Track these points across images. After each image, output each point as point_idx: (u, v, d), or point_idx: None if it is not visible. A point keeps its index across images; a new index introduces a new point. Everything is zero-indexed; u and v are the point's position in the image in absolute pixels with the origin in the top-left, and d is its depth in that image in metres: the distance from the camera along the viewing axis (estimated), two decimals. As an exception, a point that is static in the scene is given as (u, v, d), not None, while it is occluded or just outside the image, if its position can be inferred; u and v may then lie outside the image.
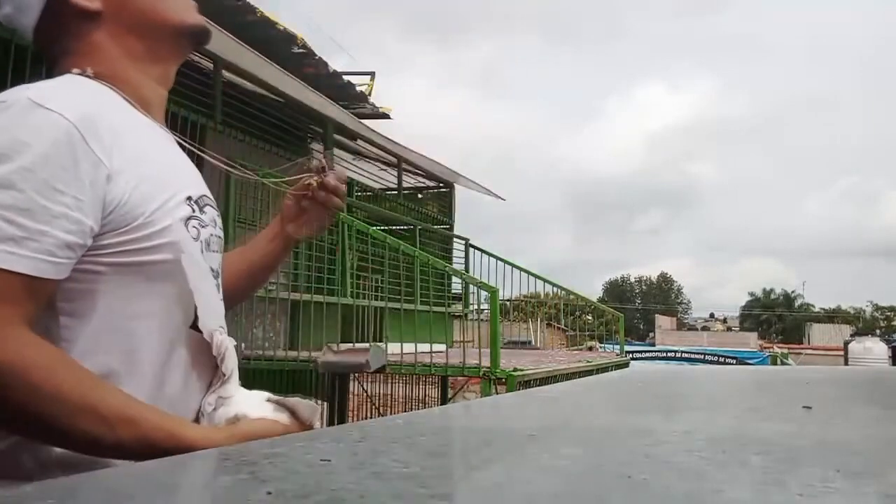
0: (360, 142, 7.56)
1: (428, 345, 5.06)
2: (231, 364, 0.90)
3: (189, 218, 0.88)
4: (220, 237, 0.98)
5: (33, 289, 0.75)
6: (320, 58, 5.85)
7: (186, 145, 1.01)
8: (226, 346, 0.89)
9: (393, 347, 5.19)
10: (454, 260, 8.46)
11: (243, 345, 4.73)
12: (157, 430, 0.78)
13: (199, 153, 1.08)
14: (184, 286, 0.86)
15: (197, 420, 0.89)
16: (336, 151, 6.94)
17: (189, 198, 0.90)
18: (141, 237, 0.83)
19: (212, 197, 0.98)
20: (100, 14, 0.90)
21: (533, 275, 8.33)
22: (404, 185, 8.89)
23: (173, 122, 4.34)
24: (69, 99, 0.80)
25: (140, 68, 0.92)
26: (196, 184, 0.95)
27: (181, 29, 0.96)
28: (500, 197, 10.63)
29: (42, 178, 0.75)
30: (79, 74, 0.88)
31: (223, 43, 4.55)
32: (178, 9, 0.97)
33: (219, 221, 0.98)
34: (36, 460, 0.78)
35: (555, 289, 8.96)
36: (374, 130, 6.88)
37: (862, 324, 55.18)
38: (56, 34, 0.91)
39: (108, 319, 0.82)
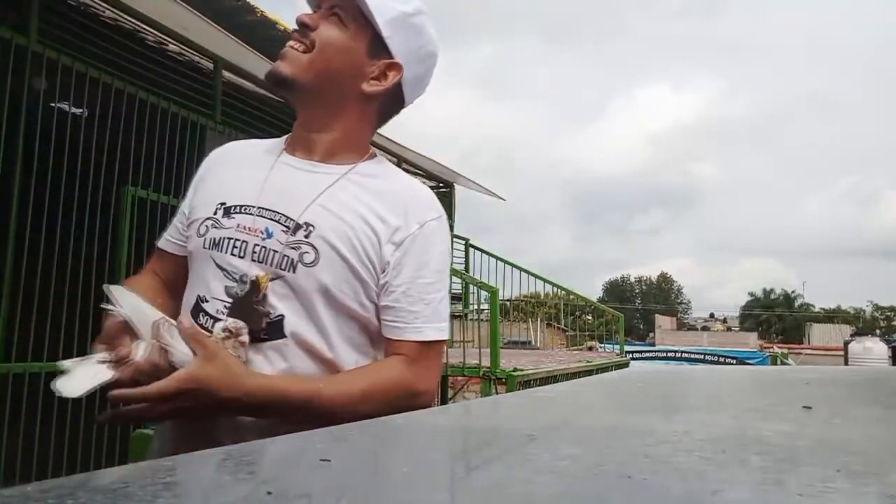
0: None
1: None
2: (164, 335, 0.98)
3: (206, 219, 1.09)
4: (256, 244, 1.04)
5: (157, 255, 1.22)
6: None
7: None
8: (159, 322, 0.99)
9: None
10: (454, 260, 8.46)
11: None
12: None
13: None
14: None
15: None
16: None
17: (222, 204, 1.08)
18: (188, 229, 1.13)
19: (278, 211, 1.05)
20: None
21: (533, 275, 8.34)
22: (404, 185, 8.87)
23: (174, 122, 4.34)
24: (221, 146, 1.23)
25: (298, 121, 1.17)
26: (251, 195, 1.07)
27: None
28: (500, 197, 10.63)
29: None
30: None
31: (223, 43, 4.55)
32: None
33: (266, 231, 1.04)
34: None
35: (555, 289, 8.97)
36: (374, 130, 6.88)
37: (862, 324, 55.13)
38: None
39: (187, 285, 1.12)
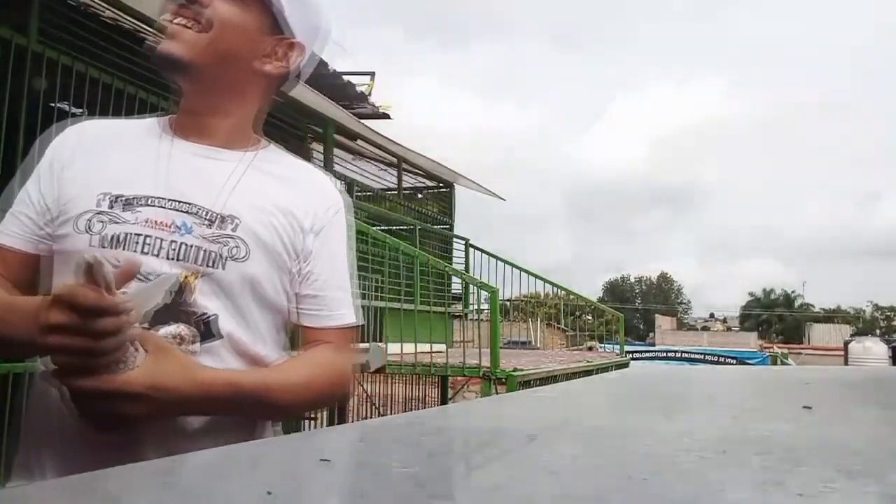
0: (360, 142, 7.56)
1: (428, 345, 5.06)
2: None
3: (94, 213, 0.96)
4: (172, 240, 0.95)
5: None
6: (321, 58, 5.82)
7: None
8: None
9: (393, 347, 5.19)
10: (454, 260, 8.46)
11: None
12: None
13: None
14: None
15: None
16: (336, 151, 6.94)
17: (117, 196, 0.97)
18: (59, 225, 0.98)
19: (192, 202, 0.97)
20: None
21: (533, 275, 8.34)
22: (404, 185, 8.89)
23: (173, 122, 4.34)
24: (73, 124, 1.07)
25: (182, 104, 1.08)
26: (150, 185, 0.97)
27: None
28: (500, 197, 10.63)
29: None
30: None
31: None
32: None
33: (183, 225, 0.96)
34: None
35: (555, 289, 8.96)
36: (374, 130, 6.89)
37: (862, 324, 55.16)
38: None
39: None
